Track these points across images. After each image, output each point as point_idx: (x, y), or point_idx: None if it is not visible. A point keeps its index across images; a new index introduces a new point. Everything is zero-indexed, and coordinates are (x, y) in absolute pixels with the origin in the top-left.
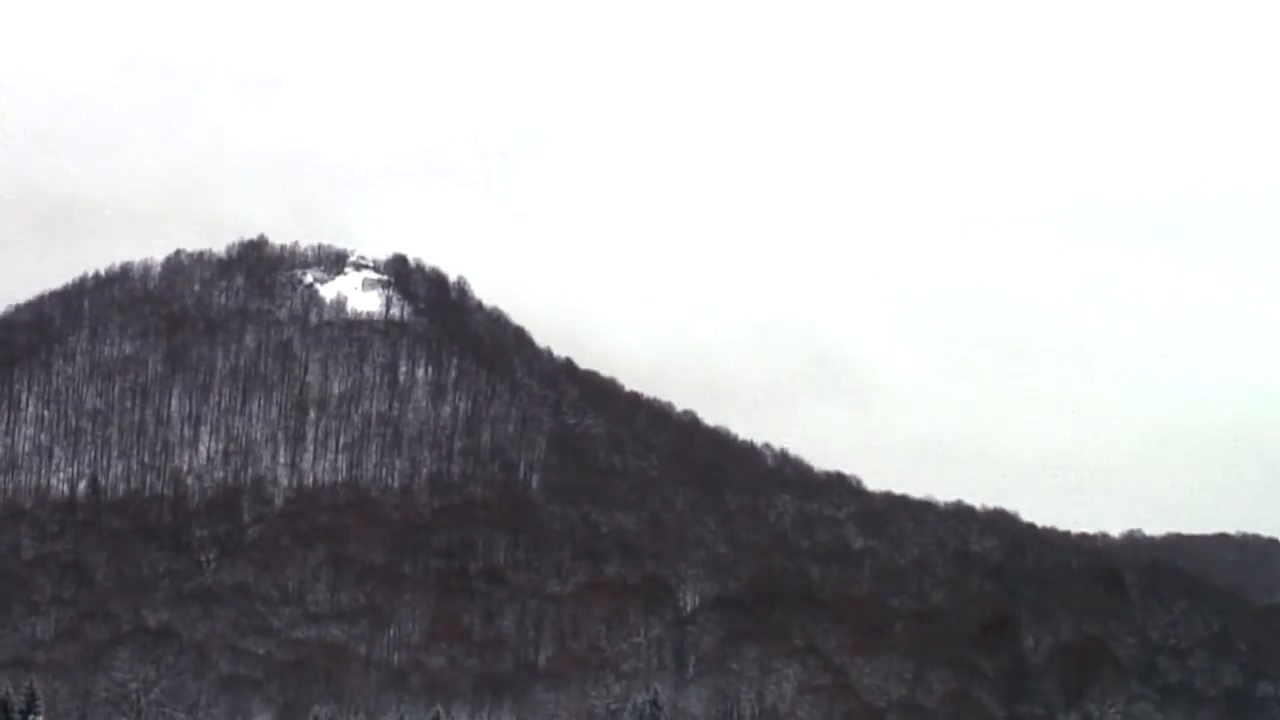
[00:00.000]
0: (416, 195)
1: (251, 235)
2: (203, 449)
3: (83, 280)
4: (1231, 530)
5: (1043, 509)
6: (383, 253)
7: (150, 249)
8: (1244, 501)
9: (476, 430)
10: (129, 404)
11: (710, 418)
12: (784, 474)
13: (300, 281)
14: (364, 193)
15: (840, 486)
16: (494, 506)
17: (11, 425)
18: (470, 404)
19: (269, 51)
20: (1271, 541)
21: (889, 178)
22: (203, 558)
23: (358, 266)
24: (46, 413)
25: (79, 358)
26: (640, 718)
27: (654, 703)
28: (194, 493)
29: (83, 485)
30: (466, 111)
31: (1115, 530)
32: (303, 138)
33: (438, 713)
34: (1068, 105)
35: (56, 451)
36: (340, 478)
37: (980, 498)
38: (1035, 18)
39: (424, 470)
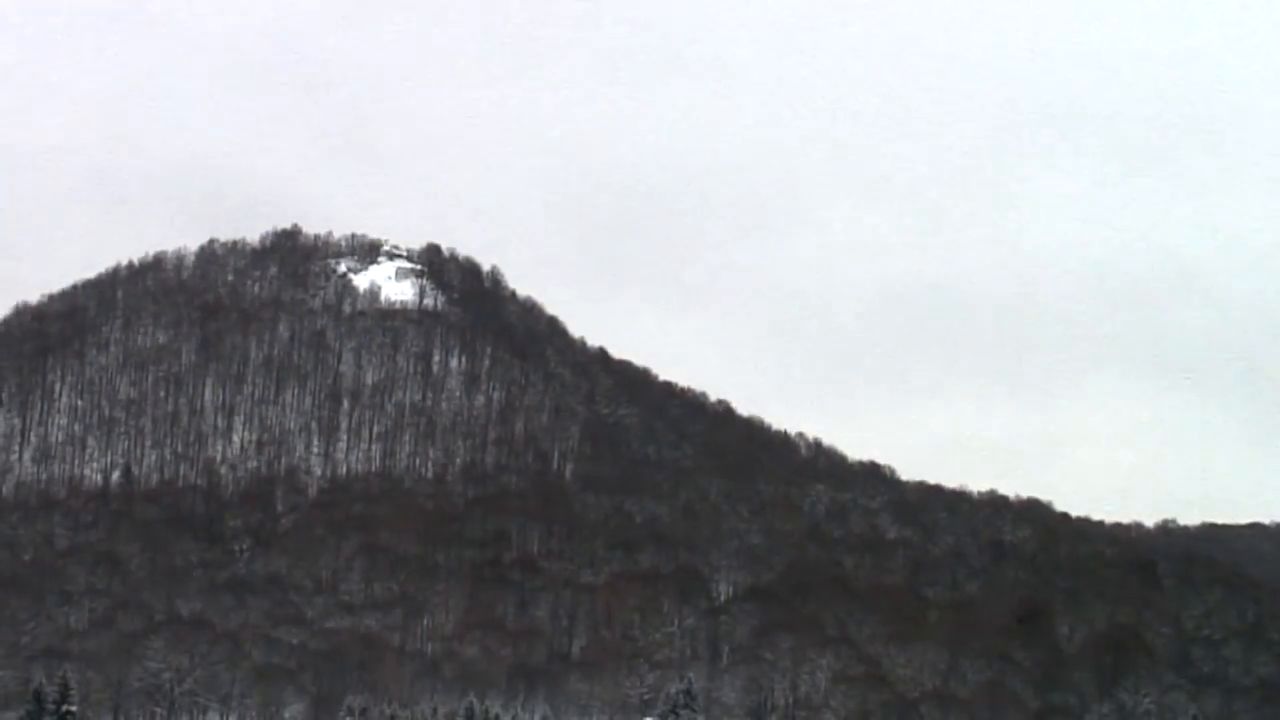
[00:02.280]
0: (451, 185)
1: (285, 225)
2: (236, 439)
3: (116, 269)
4: (1266, 520)
5: (1077, 499)
6: (416, 242)
7: (184, 238)
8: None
9: (510, 420)
10: (162, 394)
11: (744, 407)
12: (818, 464)
13: (334, 271)
14: (398, 181)
15: (874, 476)
16: (528, 496)
17: (45, 415)
18: (504, 394)
19: (302, 42)
20: None
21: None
22: (236, 548)
23: (391, 256)
24: (80, 402)
25: (112, 347)
26: (674, 707)
27: (688, 692)
28: (227, 483)
29: (116, 475)
30: (498, 102)
31: (1149, 520)
32: (333, 127)
33: (471, 702)
34: None
35: (90, 441)
36: (374, 468)
37: (1014, 487)
38: None
39: (458, 460)
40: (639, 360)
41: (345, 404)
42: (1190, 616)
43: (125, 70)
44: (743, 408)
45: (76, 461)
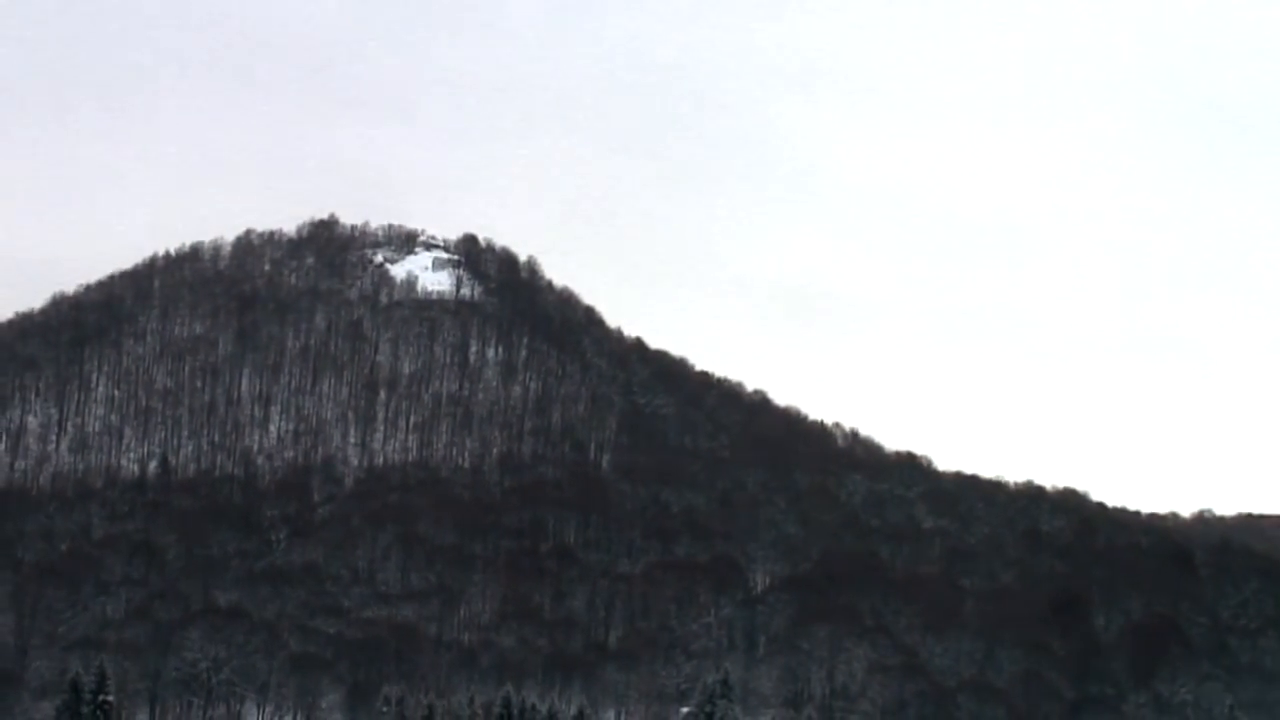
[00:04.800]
0: (486, 175)
1: (322, 215)
2: (273, 429)
3: (153, 260)
4: None
5: (1113, 489)
6: (453, 232)
7: (221, 228)
8: None
9: (547, 410)
10: (199, 384)
11: (781, 397)
12: (854, 453)
13: (370, 261)
14: (434, 172)
15: (911, 466)
16: (564, 486)
17: (82, 405)
18: (540, 384)
19: (339, 32)
20: None
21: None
22: (273, 538)
23: (428, 246)
24: (117, 393)
25: (149, 338)
26: (710, 698)
27: (724, 682)
28: (264, 473)
29: (153, 465)
30: (536, 92)
31: (1186, 510)
32: (371, 117)
33: (507, 692)
34: None
35: (127, 431)
36: (410, 458)
37: (1051, 478)
38: None
39: (494, 450)
40: (676, 350)
41: (382, 394)
42: (1227, 606)
43: (156, 61)
44: (779, 397)
45: (113, 452)
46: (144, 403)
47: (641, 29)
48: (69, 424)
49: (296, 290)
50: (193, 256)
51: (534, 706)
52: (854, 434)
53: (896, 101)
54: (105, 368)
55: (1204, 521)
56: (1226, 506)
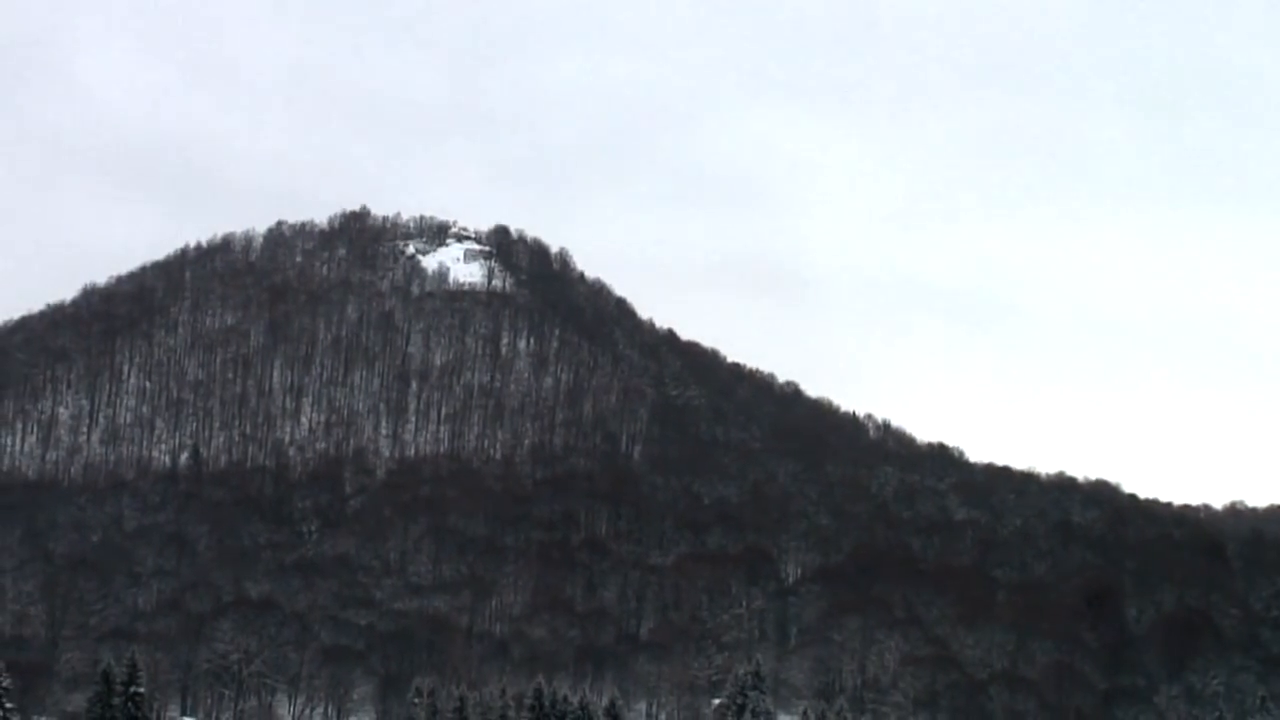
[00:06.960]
0: (517, 167)
1: (353, 206)
2: (304, 420)
3: (184, 251)
4: None
5: (1145, 480)
6: (484, 223)
7: (252, 220)
8: None
9: (578, 401)
10: (230, 375)
11: (812, 389)
12: (886, 445)
13: (402, 252)
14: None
15: (942, 457)
16: (596, 478)
17: (113, 396)
18: (572, 375)
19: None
20: None
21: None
22: (304, 529)
23: (460, 237)
24: (148, 384)
25: (180, 329)
26: (742, 689)
27: (756, 674)
28: (296, 464)
29: (184, 457)
30: (566, 82)
31: (1217, 501)
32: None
33: (539, 684)
34: None
35: (158, 423)
36: (442, 449)
37: (1083, 469)
38: None
39: (526, 441)
40: (707, 341)
41: (414, 385)
42: (1259, 598)
43: (189, 57)
44: (811, 389)
45: (145, 443)
46: (175, 394)
47: (664, 23)
48: (100, 415)
49: (328, 281)
50: (224, 248)
51: (565, 698)
52: (886, 425)
53: (898, 98)
54: (136, 359)
55: (1236, 513)
56: (1258, 498)
